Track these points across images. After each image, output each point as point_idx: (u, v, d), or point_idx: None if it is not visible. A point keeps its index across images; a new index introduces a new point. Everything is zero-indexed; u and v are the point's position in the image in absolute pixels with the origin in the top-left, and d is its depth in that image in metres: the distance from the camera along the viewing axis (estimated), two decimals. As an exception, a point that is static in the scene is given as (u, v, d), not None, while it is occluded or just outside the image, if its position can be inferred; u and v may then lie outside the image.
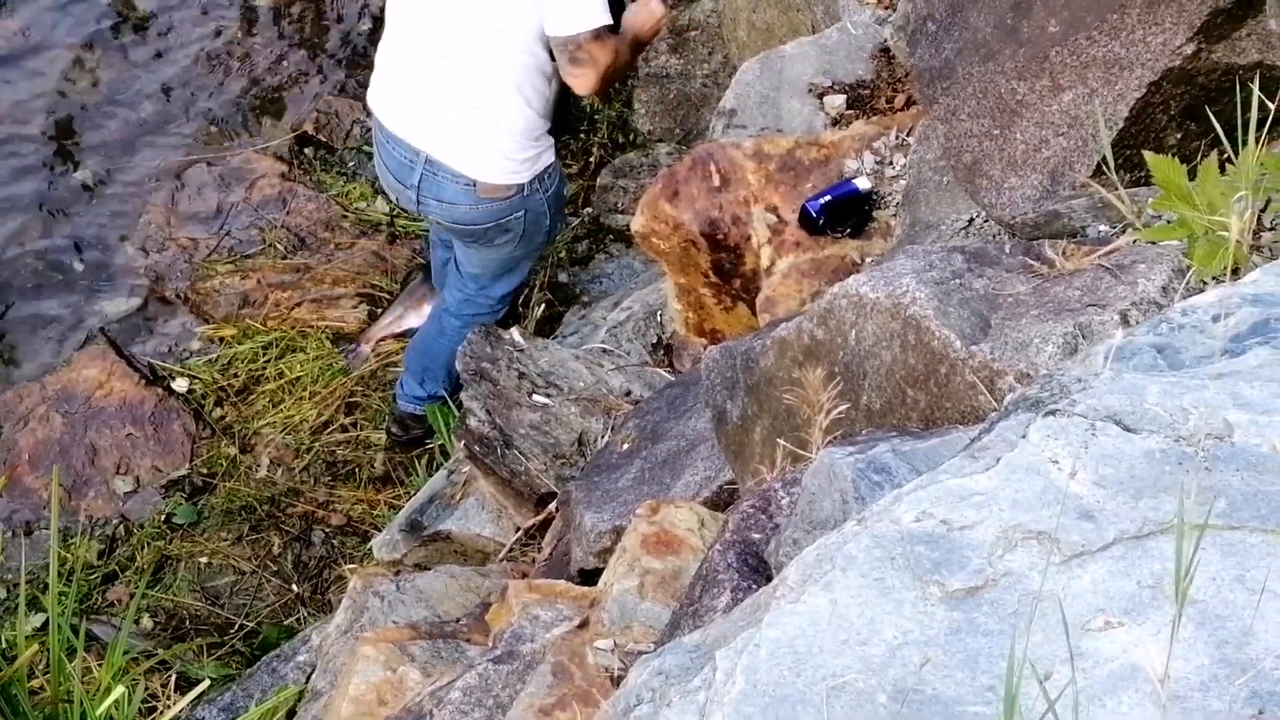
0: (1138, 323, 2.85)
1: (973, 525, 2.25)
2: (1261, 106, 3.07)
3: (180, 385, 6.67)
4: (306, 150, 7.34)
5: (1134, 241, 3.34)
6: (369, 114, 5.87)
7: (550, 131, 5.74)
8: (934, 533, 2.25)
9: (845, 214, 5.02)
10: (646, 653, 2.80)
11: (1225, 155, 3.25)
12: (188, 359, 6.78)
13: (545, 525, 5.12)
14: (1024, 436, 2.34)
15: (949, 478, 2.33)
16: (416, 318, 6.61)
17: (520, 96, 5.48)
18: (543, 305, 6.55)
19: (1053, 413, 2.37)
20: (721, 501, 3.99)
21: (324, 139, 7.25)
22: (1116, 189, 3.34)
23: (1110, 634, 2.14)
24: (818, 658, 2.14)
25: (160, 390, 6.64)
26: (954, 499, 2.29)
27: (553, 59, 5.50)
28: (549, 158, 5.64)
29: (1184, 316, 2.54)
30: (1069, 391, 2.42)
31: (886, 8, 5.63)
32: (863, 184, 5.06)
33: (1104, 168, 3.57)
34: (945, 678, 2.11)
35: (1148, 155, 3.28)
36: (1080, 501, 2.26)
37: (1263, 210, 3.24)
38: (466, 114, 5.53)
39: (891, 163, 5.12)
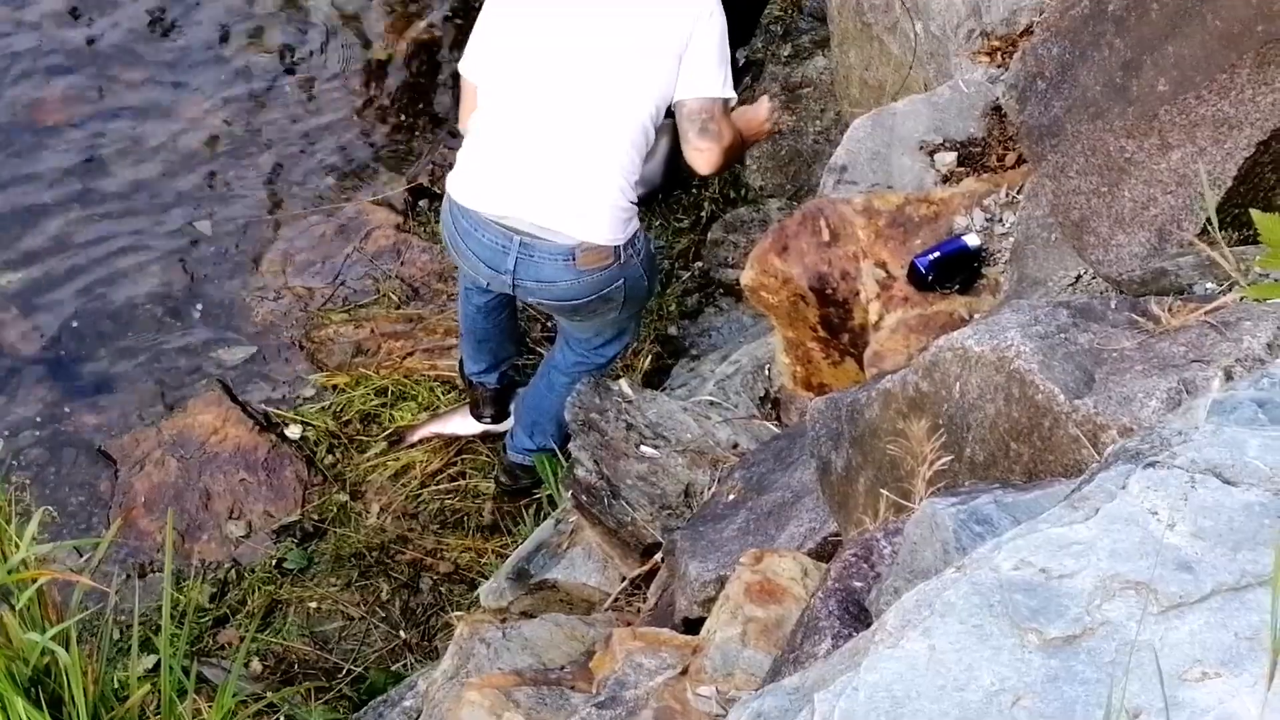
0: (1241, 378, 2.85)
1: (1071, 574, 2.27)
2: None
3: (293, 432, 6.73)
4: (421, 202, 7.39)
5: (1240, 299, 3.34)
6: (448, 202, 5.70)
7: (662, 188, 5.78)
8: (1032, 581, 2.27)
9: (954, 270, 5.00)
10: (748, 698, 2.82)
11: (1332, 214, 3.25)
12: (301, 406, 6.83)
13: (651, 575, 5.11)
14: (1124, 487, 2.35)
15: (1048, 527, 2.35)
16: (459, 423, 6.68)
17: (623, 169, 5.45)
18: (651, 357, 6.56)
19: (1153, 464, 2.39)
20: (825, 553, 3.97)
21: (438, 191, 7.29)
22: (1221, 247, 3.35)
23: (1207, 685, 2.15)
24: (915, 702, 2.16)
25: (274, 436, 6.69)
26: (1053, 548, 2.31)
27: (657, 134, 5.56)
28: (637, 223, 5.61)
29: (1287, 369, 2.55)
30: (1169, 444, 2.43)
31: (999, 66, 5.62)
32: (972, 240, 5.03)
33: (1213, 227, 3.57)
34: (1042, 725, 2.13)
35: (1255, 213, 3.28)
36: (1179, 553, 2.27)
37: (1370, 270, 3.24)
38: (570, 185, 5.46)
39: (1001, 220, 5.08)
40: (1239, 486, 2.34)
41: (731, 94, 5.57)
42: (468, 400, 6.63)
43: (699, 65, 5.45)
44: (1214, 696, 2.14)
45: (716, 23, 5.54)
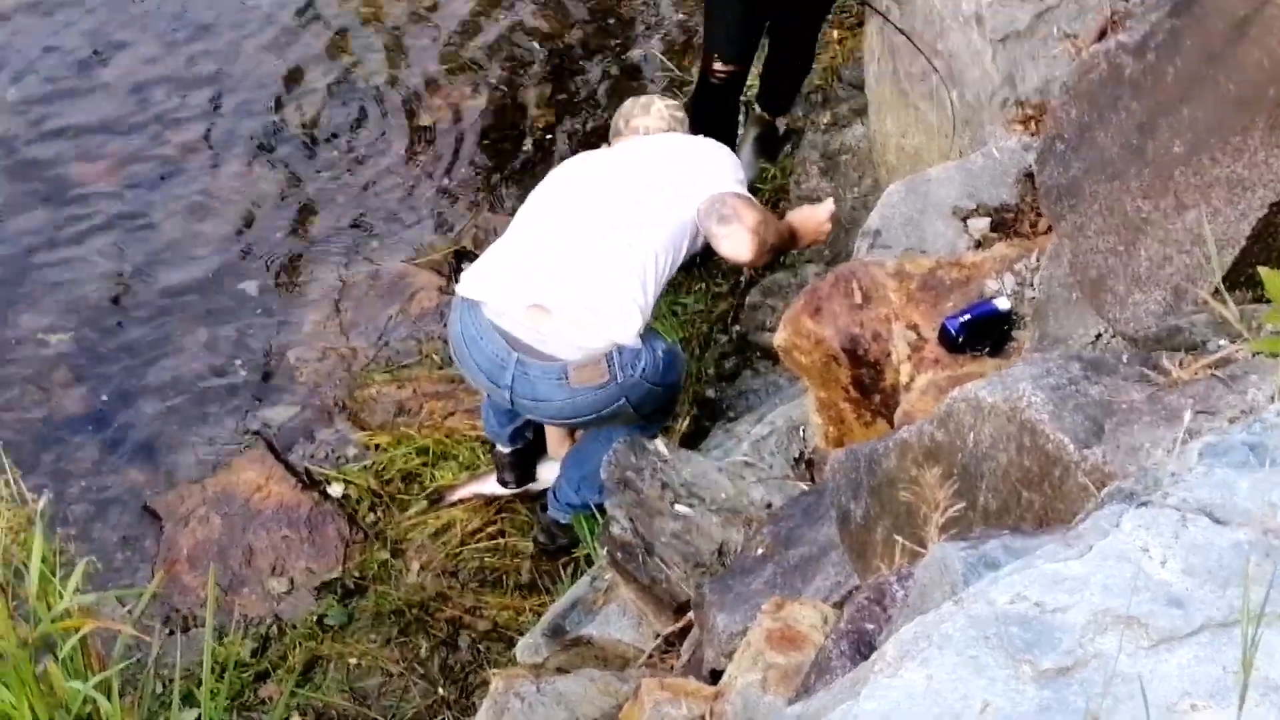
0: (1235, 423, 2.91)
1: (1065, 608, 2.34)
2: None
3: (335, 490, 6.76)
4: (464, 264, 7.41)
5: (1253, 354, 3.41)
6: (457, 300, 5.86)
7: (700, 253, 5.90)
8: (1027, 614, 2.33)
9: (985, 333, 5.02)
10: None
11: (1338, 272, 3.31)
12: (344, 464, 6.86)
13: (685, 632, 5.10)
14: (1117, 525, 2.42)
15: (1044, 562, 2.42)
16: (484, 485, 6.72)
17: (628, 294, 5.61)
18: (689, 420, 6.58)
19: (1145, 504, 2.45)
20: (849, 605, 4.04)
21: (479, 253, 7.38)
22: (1229, 304, 3.41)
23: (1195, 717, 2.21)
24: (912, 730, 2.23)
25: (316, 494, 6.73)
26: (1048, 583, 2.37)
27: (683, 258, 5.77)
28: (637, 344, 5.67)
29: (1278, 417, 2.62)
30: (1162, 484, 2.49)
31: (1032, 134, 5.67)
32: (1003, 304, 5.05)
33: (1221, 286, 3.62)
34: (1033, 753, 2.19)
35: (1263, 271, 3.34)
36: (1169, 589, 2.34)
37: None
38: (568, 304, 5.63)
39: (1032, 284, 5.08)
40: (1229, 526, 2.40)
41: (743, 189, 5.76)
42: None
43: (708, 180, 5.72)
44: (1201, 727, 2.21)
45: (723, 155, 5.91)
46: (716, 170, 5.83)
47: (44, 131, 7.93)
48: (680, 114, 6.30)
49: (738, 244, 5.67)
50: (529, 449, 6.53)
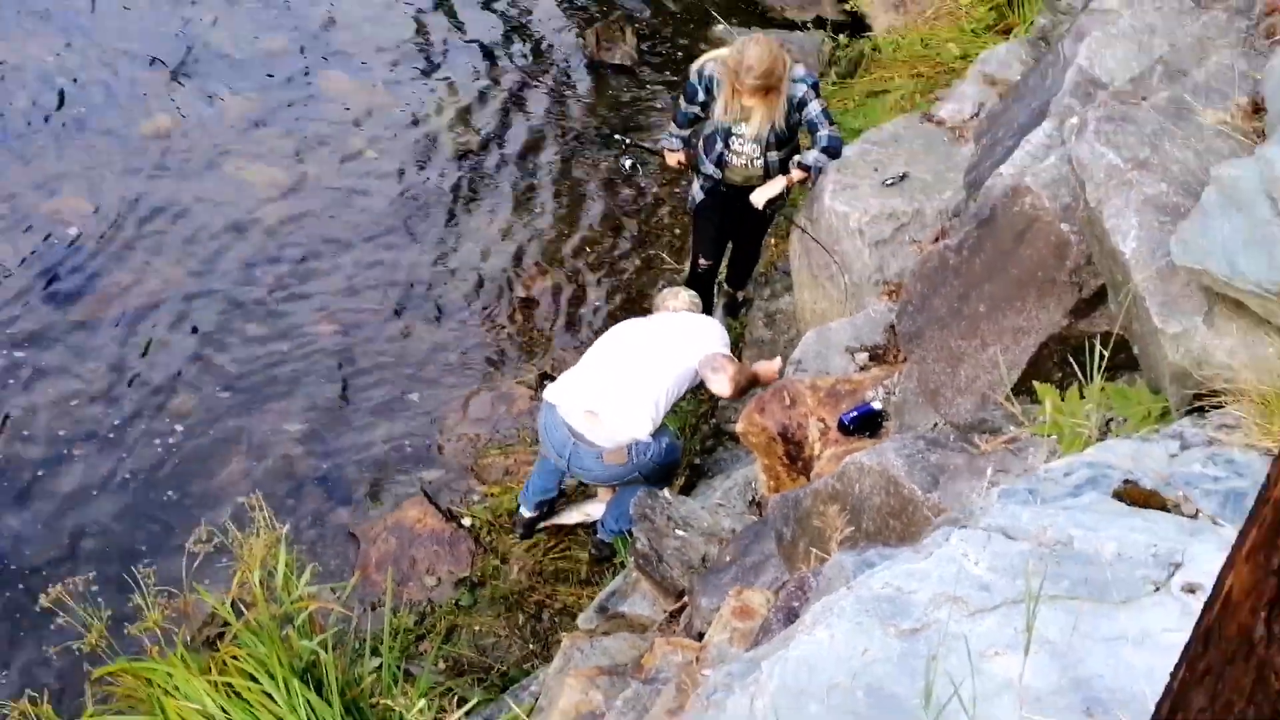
0: (1019, 477, 2.91)
1: (915, 591, 2.33)
2: (1104, 357, 3.15)
3: (467, 521, 6.69)
4: (545, 383, 7.41)
5: (1031, 434, 3.40)
6: (544, 402, 5.94)
7: None
8: (892, 595, 2.32)
9: (866, 424, 5.00)
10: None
11: (1082, 385, 3.31)
12: (472, 505, 6.79)
13: (682, 610, 5.09)
14: (947, 540, 2.42)
15: (903, 563, 2.41)
16: (569, 515, 6.62)
17: (646, 415, 5.71)
18: (684, 477, 6.55)
19: (965, 526, 2.45)
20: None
21: (556, 375, 7.39)
22: (1014, 405, 3.41)
23: (997, 660, 2.19)
24: (821, 668, 2.21)
25: (455, 524, 6.67)
26: (906, 575, 2.36)
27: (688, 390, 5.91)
28: (650, 441, 5.75)
29: (1046, 473, 2.60)
30: (974, 514, 2.49)
31: (893, 301, 5.68)
32: (878, 405, 5.05)
33: (1010, 394, 3.62)
34: (896, 683, 2.17)
35: (1037, 385, 3.35)
36: (980, 579, 2.33)
37: (1109, 421, 3.30)
38: (605, 417, 5.71)
39: (895, 393, 5.10)
40: (1017, 540, 2.39)
41: (728, 352, 5.91)
42: (569, 502, 6.67)
43: (705, 344, 5.87)
44: (1001, 668, 2.19)
45: (716, 329, 6.05)
46: (711, 338, 5.94)
47: (290, 294, 7.91)
48: (697, 300, 6.41)
49: (721, 386, 5.79)
50: (536, 520, 6.50)
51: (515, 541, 6.57)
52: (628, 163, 7.30)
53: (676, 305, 6.27)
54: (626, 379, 5.73)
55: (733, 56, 6.21)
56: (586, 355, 5.98)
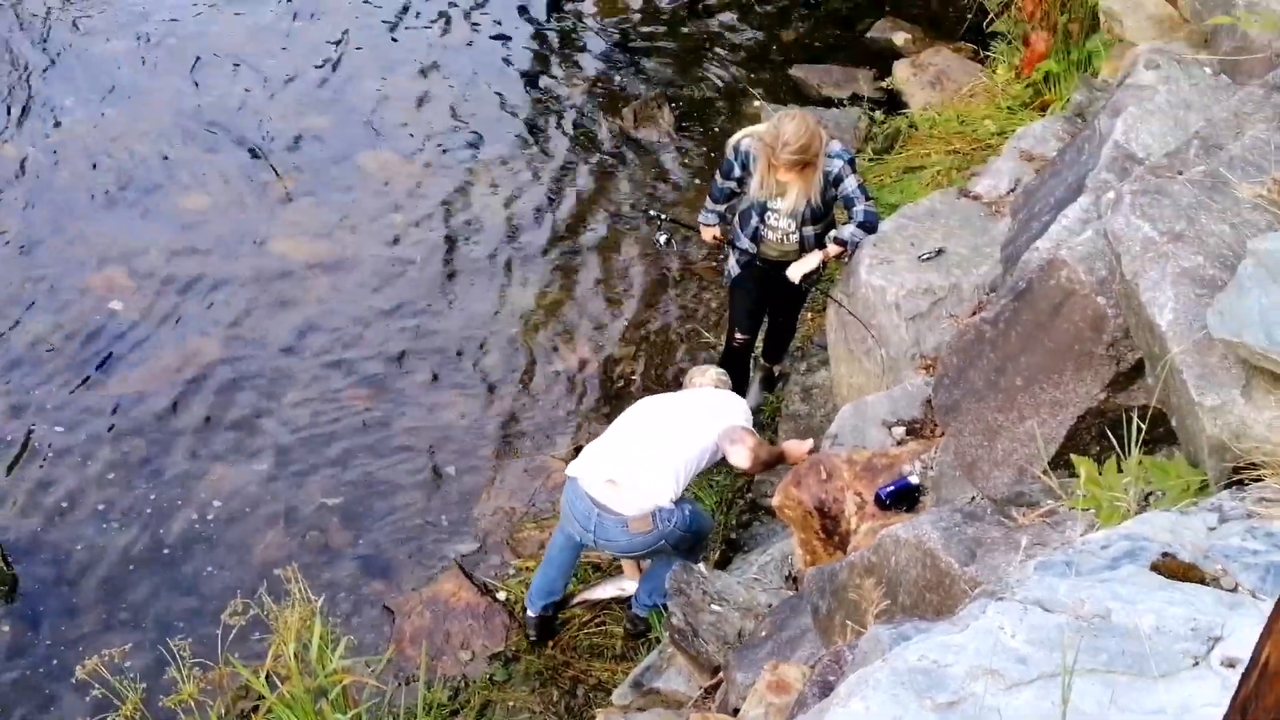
0: (1056, 549, 2.89)
1: (952, 664, 2.31)
2: (1142, 430, 3.14)
3: (502, 595, 6.66)
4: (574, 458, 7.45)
5: (1068, 508, 3.38)
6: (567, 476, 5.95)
7: None
8: (929, 668, 2.31)
9: (903, 499, 4.99)
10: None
11: (1120, 458, 3.30)
12: (507, 579, 6.77)
13: (717, 685, 5.06)
14: (984, 613, 2.40)
15: (939, 635, 2.39)
16: (603, 590, 6.60)
17: (668, 487, 5.70)
18: (719, 552, 6.52)
19: (1001, 599, 2.43)
20: (820, 667, 3.98)
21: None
22: (1052, 478, 3.40)
23: (1035, 734, 2.17)
24: (856, 741, 2.20)
25: (490, 598, 6.64)
26: (942, 648, 2.35)
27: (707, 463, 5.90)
28: (674, 509, 5.72)
29: (1084, 545, 2.59)
30: (1011, 586, 2.48)
31: (930, 375, 5.68)
32: (915, 479, 5.03)
33: (1048, 467, 3.61)
34: (933, 756, 2.15)
35: (1074, 458, 3.34)
36: (1017, 652, 2.31)
37: (1147, 495, 3.27)
38: (630, 486, 5.71)
39: (932, 467, 5.08)
40: (1054, 612, 2.37)
41: (749, 424, 5.92)
42: (604, 576, 6.64)
43: (727, 418, 5.88)
44: (1039, 741, 2.16)
45: (739, 405, 6.04)
46: (733, 413, 5.94)
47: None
48: (725, 377, 6.41)
49: (740, 457, 5.80)
50: (548, 620, 6.44)
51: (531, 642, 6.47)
52: (663, 237, 7.35)
53: (703, 381, 6.30)
54: (647, 449, 5.76)
55: (769, 132, 6.26)
56: (609, 429, 6.00)
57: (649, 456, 5.74)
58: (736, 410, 5.98)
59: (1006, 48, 9.37)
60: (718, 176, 6.74)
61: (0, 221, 8.67)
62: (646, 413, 5.97)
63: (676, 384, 7.10)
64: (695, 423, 5.85)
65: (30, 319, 8.01)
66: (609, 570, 6.66)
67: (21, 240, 8.54)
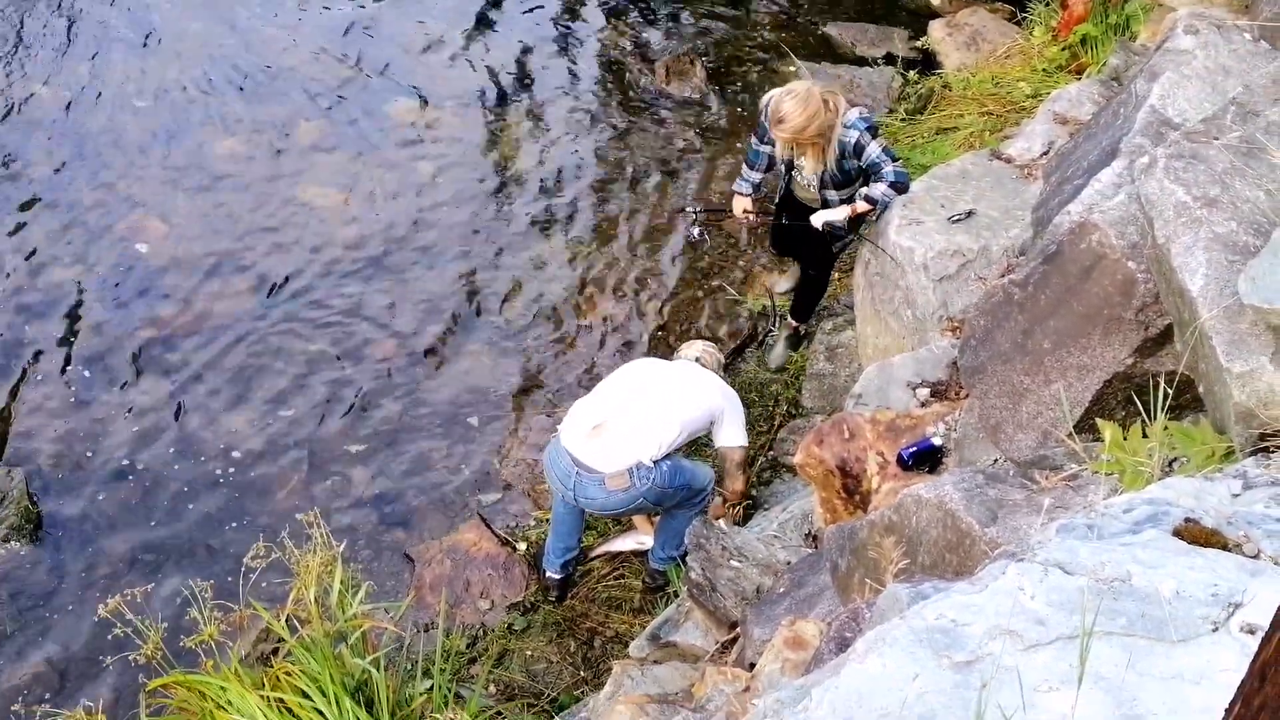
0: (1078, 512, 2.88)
1: (970, 623, 2.30)
2: (1168, 395, 3.12)
3: (521, 546, 6.70)
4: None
5: (1092, 473, 3.37)
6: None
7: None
8: (947, 627, 2.30)
9: (925, 459, 4.99)
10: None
11: (1145, 423, 3.28)
12: (527, 530, 6.81)
13: (734, 640, 5.08)
14: (1004, 574, 2.39)
15: (958, 595, 2.39)
16: (622, 543, 6.62)
17: (646, 454, 5.74)
18: (742, 509, 6.53)
19: (1021, 560, 2.43)
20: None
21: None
22: (1076, 442, 3.38)
23: (1050, 695, 2.17)
24: (872, 697, 2.20)
25: (510, 549, 6.68)
26: (960, 607, 2.34)
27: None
28: (650, 466, 5.75)
29: (1106, 509, 2.57)
30: (1032, 548, 2.47)
31: (956, 337, 5.66)
32: (938, 441, 5.04)
33: (1072, 431, 3.59)
34: (948, 714, 2.15)
35: (1099, 422, 3.32)
36: (1036, 613, 2.30)
37: (1172, 461, 3.26)
38: (608, 446, 5.76)
39: (955, 429, 5.08)
40: (1074, 575, 2.37)
41: (741, 416, 6.10)
42: (622, 530, 6.66)
43: (729, 428, 5.99)
44: (1054, 703, 2.17)
45: (733, 403, 6.07)
46: (733, 415, 6.05)
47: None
48: (713, 349, 6.43)
49: (736, 484, 6.17)
50: (567, 580, 6.46)
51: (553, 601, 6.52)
52: (695, 231, 7.19)
53: (693, 354, 6.33)
54: (633, 406, 5.81)
55: (773, 104, 6.21)
56: (597, 386, 6.05)
57: (634, 411, 5.80)
58: (730, 404, 6.06)
59: (1044, 10, 9.26)
60: (754, 140, 6.69)
61: (35, 163, 8.68)
62: (636, 373, 6.03)
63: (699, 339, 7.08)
64: (685, 393, 5.91)
65: (62, 260, 8.03)
66: (627, 525, 6.68)
67: (55, 182, 8.57)
